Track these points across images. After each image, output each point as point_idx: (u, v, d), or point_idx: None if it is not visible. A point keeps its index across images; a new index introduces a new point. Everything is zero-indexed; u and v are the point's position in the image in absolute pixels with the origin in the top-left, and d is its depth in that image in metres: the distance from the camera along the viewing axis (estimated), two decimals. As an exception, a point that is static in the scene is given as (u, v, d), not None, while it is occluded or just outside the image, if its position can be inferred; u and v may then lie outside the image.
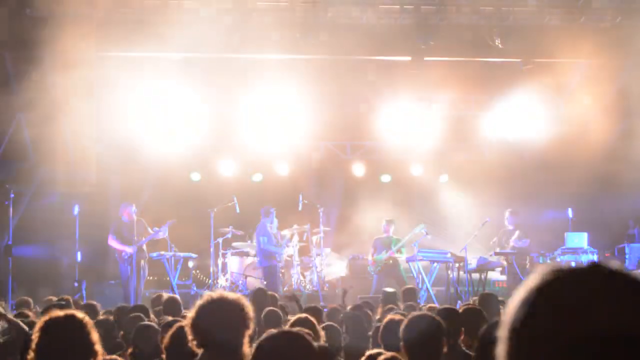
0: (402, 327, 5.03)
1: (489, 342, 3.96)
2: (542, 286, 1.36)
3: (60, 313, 4.19)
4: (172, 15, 14.31)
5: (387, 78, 16.68)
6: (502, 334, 1.37)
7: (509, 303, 1.41)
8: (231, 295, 4.03)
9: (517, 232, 16.10)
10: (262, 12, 14.50)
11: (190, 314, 4.02)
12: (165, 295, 10.50)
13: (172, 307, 8.82)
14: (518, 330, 1.35)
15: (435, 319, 5.17)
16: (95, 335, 4.11)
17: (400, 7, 14.78)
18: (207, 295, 4.06)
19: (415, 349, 4.91)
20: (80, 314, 4.20)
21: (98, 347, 4.10)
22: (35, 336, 4.06)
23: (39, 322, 4.12)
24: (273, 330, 3.67)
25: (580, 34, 14.74)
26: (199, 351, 3.93)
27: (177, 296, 10.22)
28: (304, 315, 6.40)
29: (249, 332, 3.95)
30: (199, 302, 4.03)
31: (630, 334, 1.28)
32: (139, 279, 14.68)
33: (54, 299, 10.84)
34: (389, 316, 6.66)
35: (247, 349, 3.90)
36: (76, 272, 15.42)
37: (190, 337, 3.94)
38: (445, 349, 5.03)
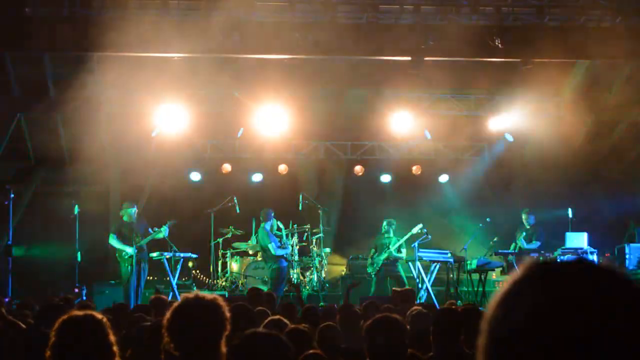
0: (365, 330, 4.95)
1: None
2: (520, 283, 1.34)
3: (79, 313, 4.16)
4: (172, 15, 14.31)
5: (387, 78, 16.67)
6: (482, 327, 1.36)
7: (492, 297, 1.39)
8: (207, 296, 3.97)
9: (523, 234, 16.07)
10: (262, 11, 14.50)
11: (166, 316, 3.96)
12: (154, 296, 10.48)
13: (159, 308, 8.78)
14: (493, 325, 1.34)
15: (398, 321, 5.07)
16: (112, 336, 4.08)
17: (400, 7, 14.78)
18: (183, 296, 4.01)
19: (376, 353, 4.83)
20: (99, 315, 4.17)
21: (116, 349, 4.07)
22: (52, 335, 4.03)
23: (57, 322, 4.08)
24: (249, 331, 3.65)
25: (580, 34, 14.74)
26: (176, 353, 3.88)
27: (164, 296, 10.19)
28: (276, 317, 6.38)
29: (226, 332, 3.90)
30: (174, 305, 3.97)
31: (604, 335, 1.25)
32: (139, 279, 14.68)
33: (55, 299, 10.84)
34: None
35: (224, 350, 3.87)
36: (76, 272, 15.41)
37: (166, 340, 3.88)
38: (409, 352, 4.94)
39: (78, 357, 3.98)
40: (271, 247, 15.12)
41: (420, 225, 15.72)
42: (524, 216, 16.37)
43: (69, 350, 3.96)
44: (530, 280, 1.34)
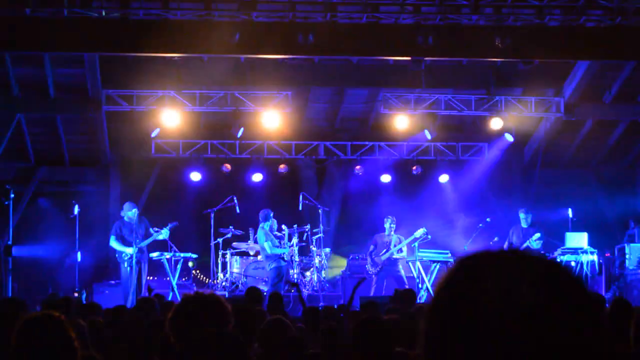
0: (352, 330, 4.94)
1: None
2: (453, 269, 1.41)
3: (36, 314, 4.21)
4: (172, 15, 14.30)
5: (387, 78, 16.68)
6: (423, 325, 1.41)
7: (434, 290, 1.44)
8: (207, 293, 4.14)
9: (537, 234, 15.95)
10: (262, 11, 14.50)
11: (169, 316, 4.07)
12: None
13: (148, 310, 8.75)
14: (427, 310, 1.39)
15: (383, 323, 5.04)
16: (73, 333, 4.11)
17: (400, 7, 14.79)
18: (183, 295, 4.18)
19: (363, 354, 4.82)
20: (56, 313, 4.20)
21: (77, 344, 4.10)
22: (12, 339, 4.05)
23: (16, 325, 4.12)
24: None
25: (580, 34, 14.74)
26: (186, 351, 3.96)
27: (149, 296, 10.18)
28: (277, 316, 6.39)
29: (229, 325, 4.01)
30: (176, 304, 4.10)
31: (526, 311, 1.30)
32: (139, 279, 14.68)
33: (56, 299, 10.84)
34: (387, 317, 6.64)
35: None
36: (76, 272, 15.42)
37: (172, 339, 3.98)
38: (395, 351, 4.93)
39: (39, 358, 4.01)
40: (267, 245, 15.15)
41: (424, 230, 15.62)
42: (521, 216, 16.29)
43: (29, 352, 3.99)
44: (458, 268, 1.40)
